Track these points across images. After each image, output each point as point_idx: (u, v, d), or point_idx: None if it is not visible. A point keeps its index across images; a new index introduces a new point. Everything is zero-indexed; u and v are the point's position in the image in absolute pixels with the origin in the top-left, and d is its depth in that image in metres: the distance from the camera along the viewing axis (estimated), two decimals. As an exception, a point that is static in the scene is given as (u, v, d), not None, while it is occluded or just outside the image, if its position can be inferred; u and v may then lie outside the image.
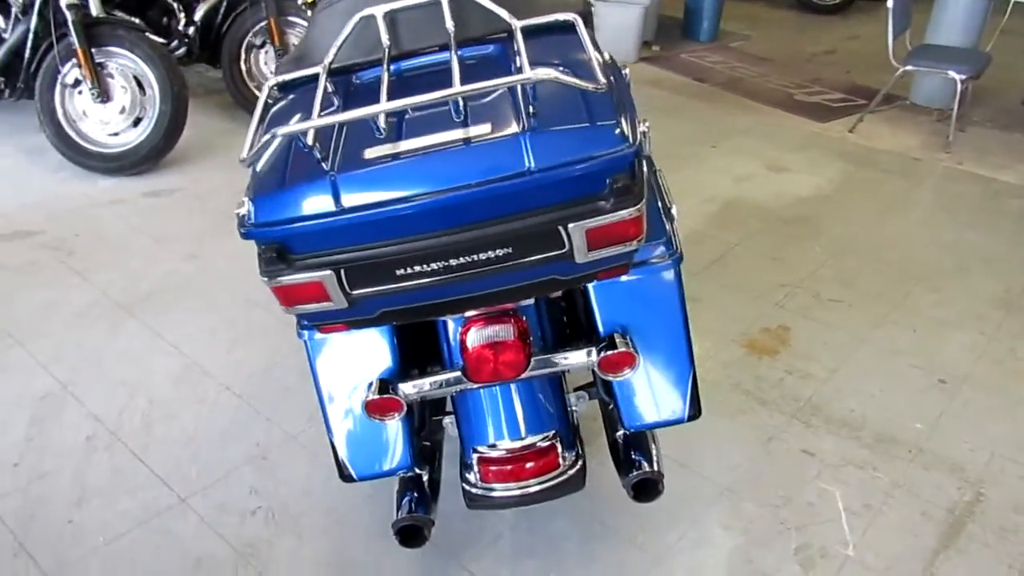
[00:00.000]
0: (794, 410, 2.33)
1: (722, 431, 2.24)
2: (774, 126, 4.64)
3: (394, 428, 1.57)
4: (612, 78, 1.40)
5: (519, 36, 1.36)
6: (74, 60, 3.69)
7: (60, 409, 2.34)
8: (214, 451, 2.18)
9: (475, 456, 1.59)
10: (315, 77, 1.45)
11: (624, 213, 1.24)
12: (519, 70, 1.29)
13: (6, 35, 3.90)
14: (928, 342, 2.65)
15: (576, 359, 1.52)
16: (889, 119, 4.68)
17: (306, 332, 1.56)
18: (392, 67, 1.48)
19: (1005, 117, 4.73)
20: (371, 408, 1.49)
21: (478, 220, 1.24)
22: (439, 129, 1.28)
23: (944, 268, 3.10)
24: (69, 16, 3.55)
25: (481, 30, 1.52)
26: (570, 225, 1.25)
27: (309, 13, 4.08)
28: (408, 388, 1.52)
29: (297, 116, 1.45)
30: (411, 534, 1.59)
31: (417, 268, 1.28)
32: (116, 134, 3.85)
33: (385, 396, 1.49)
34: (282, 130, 1.23)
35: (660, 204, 1.66)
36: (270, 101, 1.54)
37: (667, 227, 1.58)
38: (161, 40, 4.13)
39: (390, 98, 1.27)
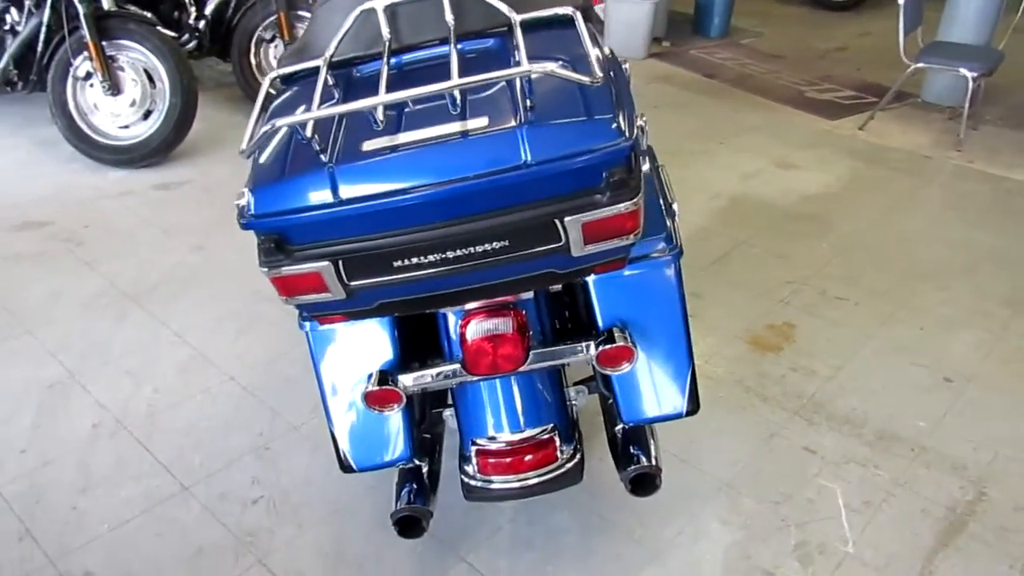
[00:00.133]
0: (796, 407, 2.33)
1: (723, 427, 2.24)
2: (783, 123, 4.62)
3: (394, 420, 1.59)
4: (611, 72, 1.40)
5: (518, 30, 1.37)
6: (86, 53, 3.73)
7: (67, 397, 2.37)
8: (217, 440, 2.20)
9: (474, 448, 1.60)
10: (316, 70, 1.45)
11: (620, 207, 1.25)
12: (518, 64, 1.29)
13: (20, 28, 3.95)
14: (934, 340, 2.64)
15: (575, 353, 1.53)
16: (900, 117, 4.65)
17: (307, 324, 1.58)
18: (392, 60, 1.49)
19: (1018, 115, 4.68)
20: (370, 399, 1.50)
21: (475, 213, 1.24)
22: (437, 122, 1.29)
23: (952, 266, 3.08)
24: (81, 10, 3.59)
25: (481, 24, 1.52)
26: (566, 218, 1.25)
27: (318, 7, 4.10)
28: (407, 380, 1.53)
29: (297, 108, 1.46)
30: (409, 525, 1.60)
31: (414, 260, 1.28)
32: (126, 127, 3.89)
33: (384, 387, 1.50)
34: (280, 121, 1.24)
35: (661, 199, 1.66)
36: (272, 92, 1.56)
37: (668, 222, 1.58)
38: (172, 34, 4.15)
39: (389, 91, 1.28)
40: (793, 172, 3.94)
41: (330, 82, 1.47)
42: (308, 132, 1.27)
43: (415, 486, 1.63)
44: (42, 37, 3.84)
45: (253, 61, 4.51)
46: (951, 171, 4.01)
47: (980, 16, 4.50)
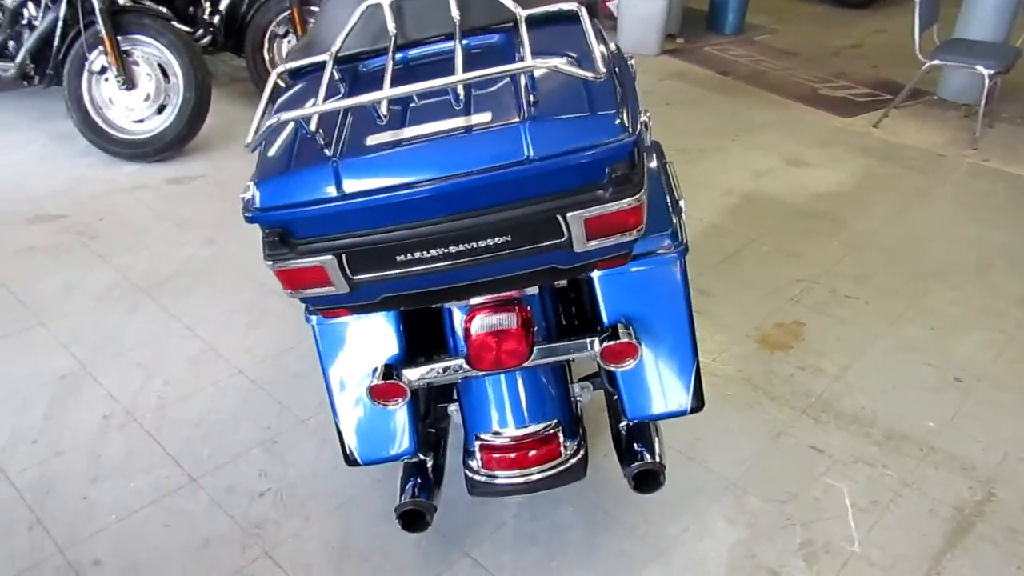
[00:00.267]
0: (804, 406, 2.32)
1: (730, 425, 2.23)
2: (797, 120, 4.59)
3: (399, 414, 1.59)
4: (616, 68, 1.40)
5: (523, 25, 1.37)
6: (101, 48, 3.76)
7: (78, 388, 2.40)
8: (226, 433, 2.22)
9: (478, 443, 1.61)
10: (322, 65, 1.46)
11: (623, 203, 1.25)
12: (522, 59, 1.29)
13: (36, 23, 3.99)
14: (945, 340, 2.62)
15: (579, 349, 1.53)
16: (915, 114, 4.61)
17: (314, 317, 1.59)
18: (398, 55, 1.49)
19: (1035, 114, 4.64)
20: (375, 393, 1.51)
21: (477, 208, 1.25)
22: (441, 117, 1.29)
23: (965, 266, 3.05)
24: (96, 4, 3.63)
25: (486, 19, 1.52)
26: (569, 214, 1.25)
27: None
28: (412, 374, 1.54)
29: (302, 102, 1.47)
30: (413, 519, 1.61)
31: (417, 254, 1.29)
32: (141, 121, 3.92)
33: (389, 381, 1.50)
34: (284, 115, 1.24)
35: (668, 196, 1.65)
36: (281, 84, 1.57)
37: (674, 219, 1.58)
38: (186, 29, 4.18)
39: (394, 86, 1.28)
40: (806, 170, 3.92)
41: (336, 77, 1.47)
42: (312, 126, 1.27)
43: (419, 480, 1.63)
44: (58, 32, 3.88)
45: (267, 56, 4.53)
46: (966, 169, 3.97)
47: (998, 13, 4.45)
